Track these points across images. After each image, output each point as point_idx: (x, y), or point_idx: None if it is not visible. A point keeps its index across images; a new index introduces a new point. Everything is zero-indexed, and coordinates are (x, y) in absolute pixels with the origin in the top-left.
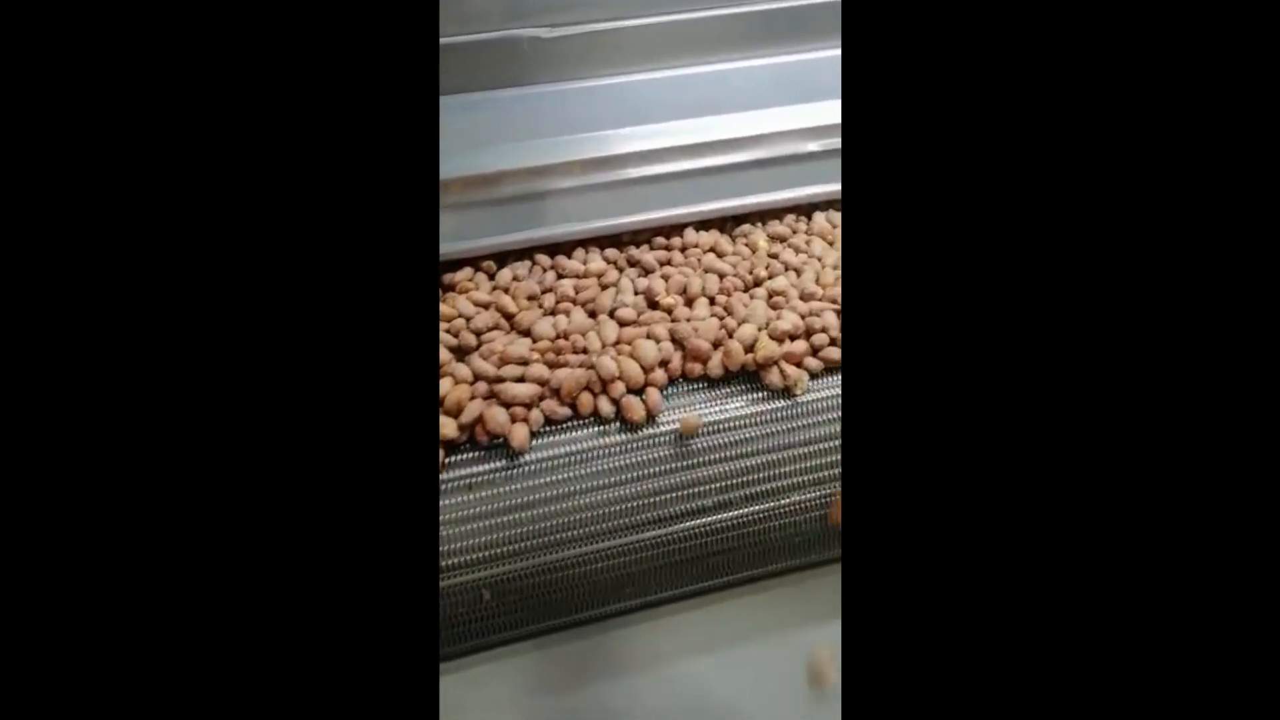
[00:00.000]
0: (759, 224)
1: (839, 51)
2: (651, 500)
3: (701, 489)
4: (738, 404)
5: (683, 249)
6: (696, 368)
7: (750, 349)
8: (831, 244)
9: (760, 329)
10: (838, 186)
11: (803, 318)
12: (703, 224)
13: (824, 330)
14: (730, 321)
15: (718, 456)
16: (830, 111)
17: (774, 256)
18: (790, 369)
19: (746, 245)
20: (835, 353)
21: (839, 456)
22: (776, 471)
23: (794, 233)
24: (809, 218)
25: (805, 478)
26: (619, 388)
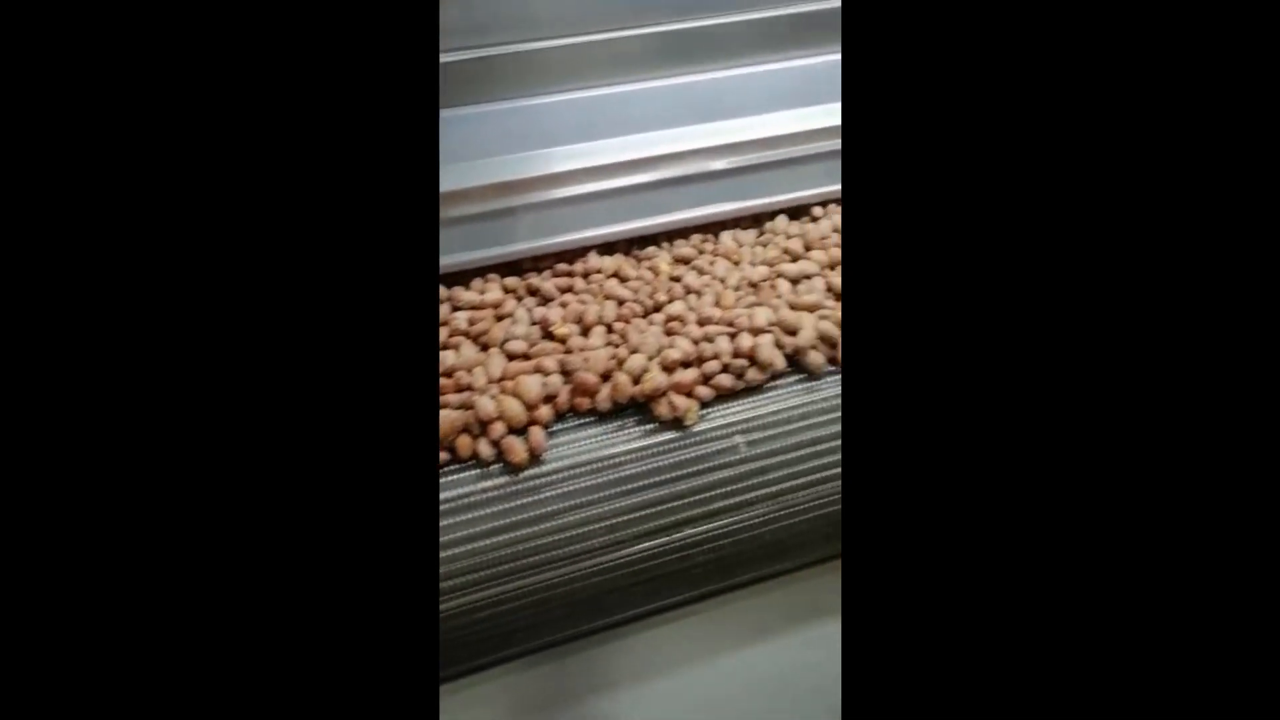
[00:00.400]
0: (665, 245)
1: (743, 70)
2: (534, 545)
3: (588, 530)
4: (625, 438)
5: (585, 275)
6: (585, 401)
7: (638, 380)
8: (737, 263)
9: (651, 358)
10: (743, 204)
11: (695, 343)
12: (607, 247)
13: (716, 357)
14: (622, 351)
15: (605, 495)
16: (735, 129)
17: (676, 280)
18: (679, 399)
19: (650, 269)
20: (727, 380)
21: (733, 486)
22: (667, 506)
23: (700, 253)
24: (716, 237)
25: (698, 510)
26: (499, 428)
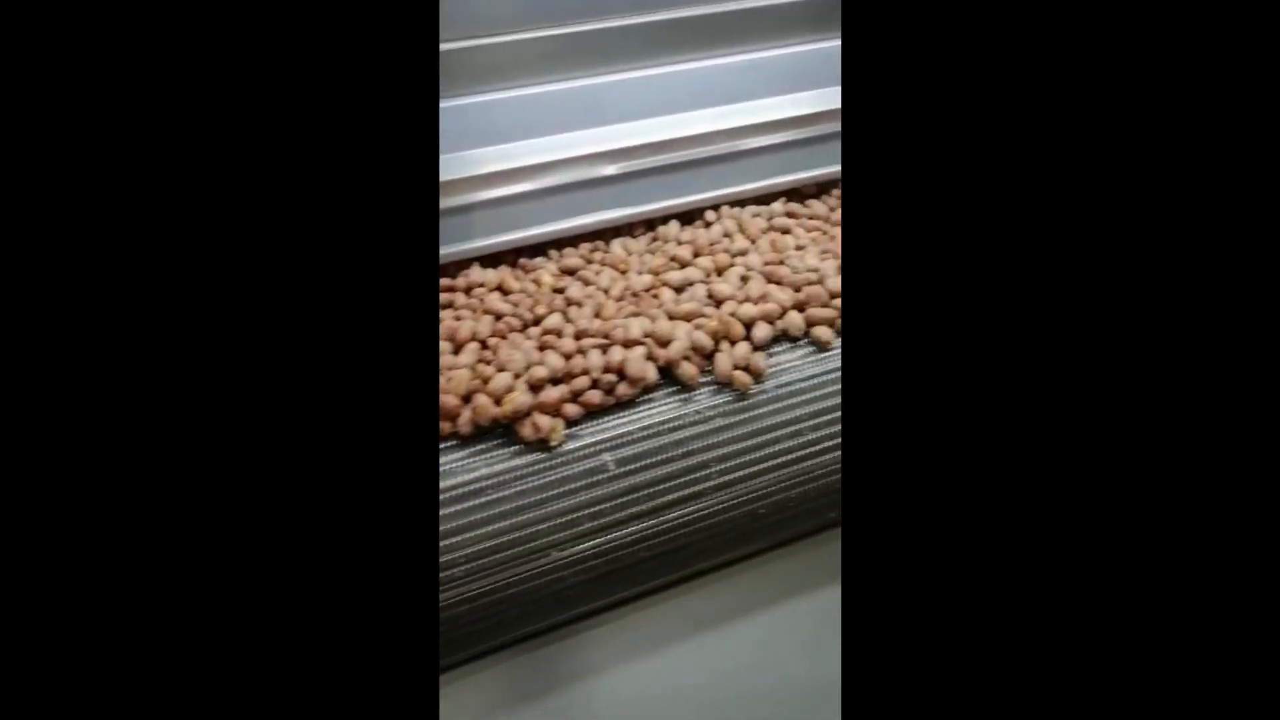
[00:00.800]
0: (554, 255)
1: (633, 73)
2: None
3: (448, 559)
4: (487, 461)
5: (467, 289)
6: (445, 425)
7: (500, 400)
8: (624, 272)
9: (517, 376)
10: (634, 210)
11: (567, 358)
12: (492, 259)
13: (585, 372)
14: (490, 370)
15: (467, 521)
16: (625, 134)
17: (559, 291)
18: (543, 419)
19: (534, 281)
20: (596, 396)
21: (601, 507)
22: (530, 532)
23: (588, 263)
24: (607, 245)
25: (564, 534)
26: None
